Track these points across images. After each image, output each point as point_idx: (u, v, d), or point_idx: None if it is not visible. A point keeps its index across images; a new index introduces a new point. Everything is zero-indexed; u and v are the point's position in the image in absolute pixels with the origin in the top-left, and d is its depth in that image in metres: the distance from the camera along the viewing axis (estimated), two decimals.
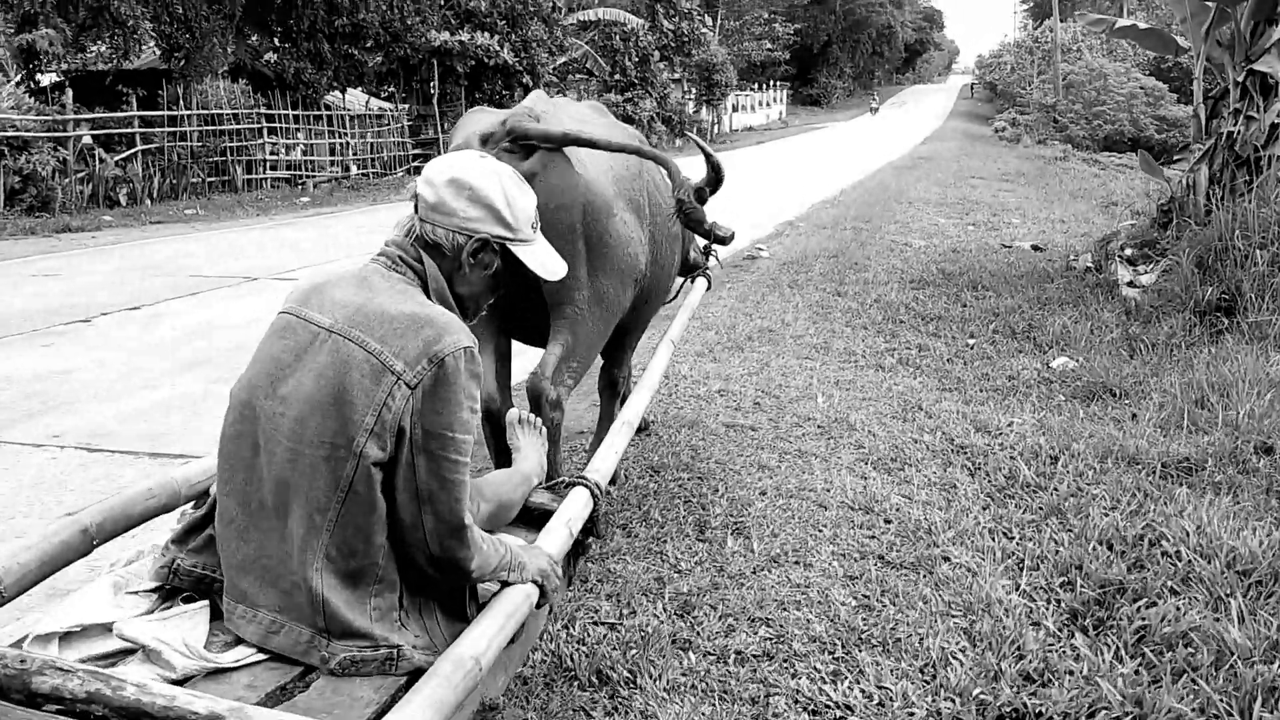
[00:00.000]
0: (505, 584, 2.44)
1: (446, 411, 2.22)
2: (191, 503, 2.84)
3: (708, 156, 4.40)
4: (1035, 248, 12.65)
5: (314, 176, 24.48)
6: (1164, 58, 59.15)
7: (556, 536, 2.79)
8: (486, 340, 3.92)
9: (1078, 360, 7.33)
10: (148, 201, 18.48)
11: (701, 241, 5.23)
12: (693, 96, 49.57)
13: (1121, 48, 56.80)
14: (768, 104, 67.59)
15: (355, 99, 29.04)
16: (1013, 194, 21.58)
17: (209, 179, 20.88)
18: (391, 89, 30.26)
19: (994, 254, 12.30)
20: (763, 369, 7.05)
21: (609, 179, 3.95)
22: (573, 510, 2.97)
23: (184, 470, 2.89)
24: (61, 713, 1.83)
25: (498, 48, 28.87)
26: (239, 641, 2.30)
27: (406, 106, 29.74)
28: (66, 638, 2.22)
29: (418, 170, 29.45)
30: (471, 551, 2.30)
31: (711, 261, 5.57)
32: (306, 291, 2.40)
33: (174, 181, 19.70)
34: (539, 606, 2.53)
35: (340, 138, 26.01)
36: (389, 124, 28.12)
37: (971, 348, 7.93)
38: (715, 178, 4.45)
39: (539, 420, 3.21)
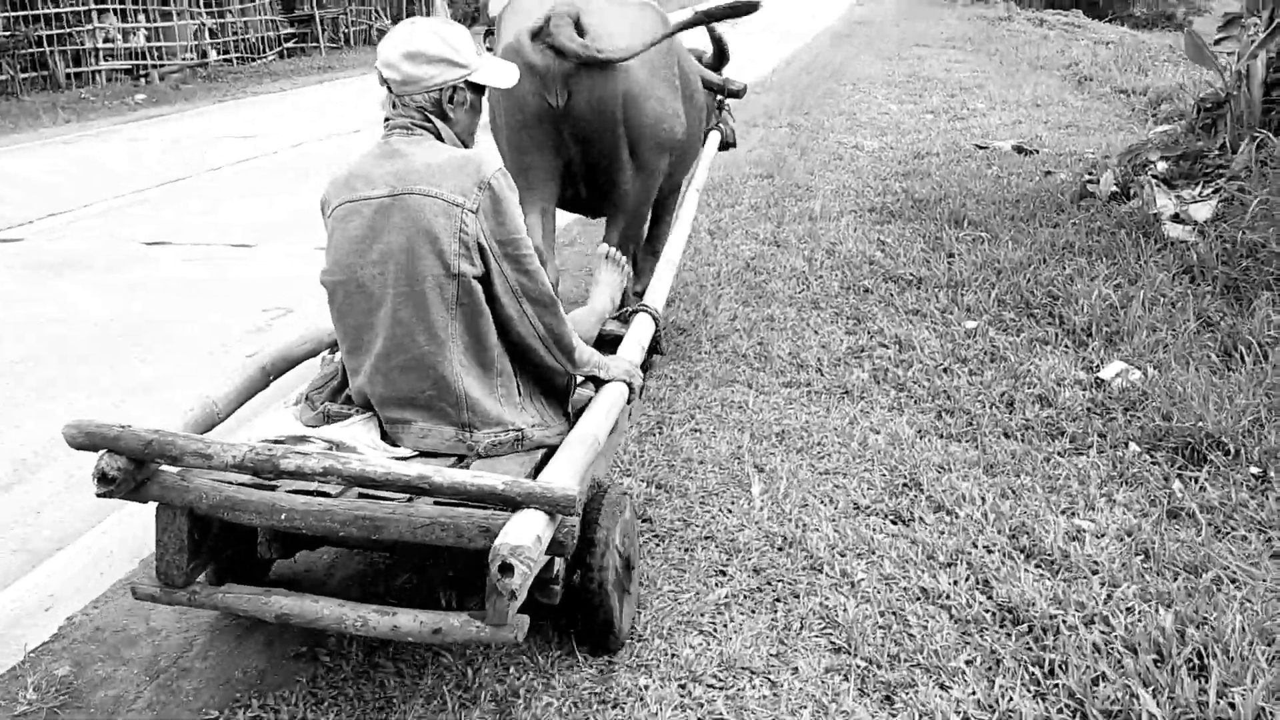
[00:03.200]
0: (598, 382, 3.12)
1: (507, 221, 2.79)
2: (328, 349, 3.52)
3: (711, 33, 5.48)
4: (1019, 149, 10.05)
5: (162, 66, 20.95)
6: None
7: (632, 350, 3.44)
8: (535, 205, 4.36)
9: (1141, 369, 4.83)
10: None
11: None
12: None
13: None
14: None
15: None
16: (965, 65, 18.87)
17: (22, 75, 17.37)
18: None
19: (969, 160, 9.67)
20: (661, 426, 4.42)
21: (643, 62, 4.29)
22: (640, 331, 3.65)
23: (326, 325, 3.32)
24: (298, 489, 2.60)
25: None
26: (399, 445, 2.88)
27: None
28: (275, 443, 2.73)
29: (293, 53, 25.99)
30: (568, 327, 2.96)
31: (726, 117, 6.12)
32: (344, 181, 2.83)
33: None
34: (629, 402, 3.19)
35: (195, 18, 22.39)
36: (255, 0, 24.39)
37: (973, 336, 5.38)
38: (720, 51, 5.67)
39: (623, 259, 3.97)
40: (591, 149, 4.29)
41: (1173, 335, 5.10)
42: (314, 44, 25.89)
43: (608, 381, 3.12)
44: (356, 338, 2.86)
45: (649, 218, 4.97)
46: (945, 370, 5.01)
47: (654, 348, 3.86)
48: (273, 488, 2.63)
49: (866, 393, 4.79)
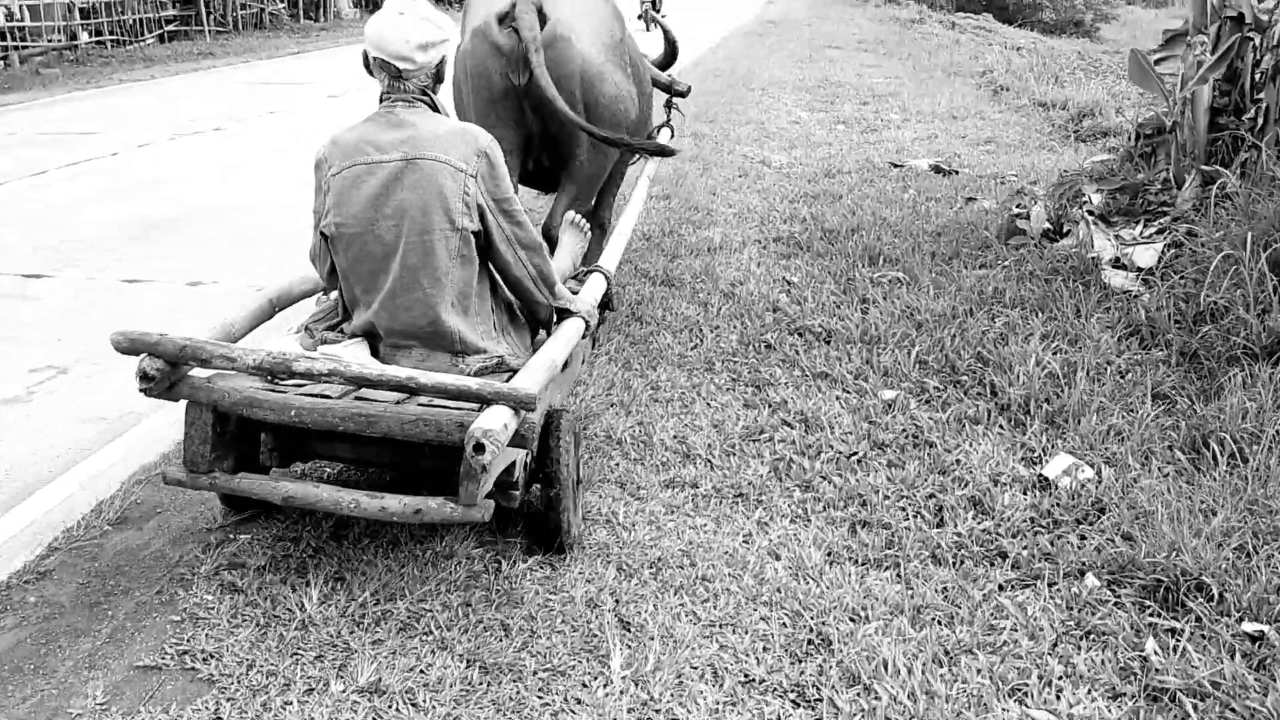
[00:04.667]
0: (565, 315, 3.62)
1: (501, 182, 3.29)
2: (321, 291, 3.82)
3: (665, 33, 6.19)
4: (937, 169, 9.28)
5: (25, 47, 19.31)
6: None
7: (586, 302, 3.78)
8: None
9: (1092, 464, 4.01)
10: None
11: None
12: None
13: None
14: None
15: None
16: (879, 70, 18.23)
17: None
18: None
19: (884, 180, 8.87)
20: (499, 559, 3.43)
21: (598, 48, 4.73)
22: (594, 289, 4.04)
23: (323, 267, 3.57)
24: (307, 390, 3.05)
25: None
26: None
27: None
28: None
29: (174, 36, 24.34)
30: (551, 266, 3.51)
31: (675, 115, 6.61)
32: (351, 146, 3.21)
33: None
34: (584, 337, 3.68)
35: None
36: None
37: (892, 411, 4.53)
38: (671, 51, 6.23)
39: (585, 224, 4.37)
40: (551, 123, 4.60)
41: (1127, 418, 4.30)
42: (199, 27, 24.32)
43: (573, 315, 3.63)
44: (370, 279, 3.25)
45: (596, 194, 5.31)
46: (860, 461, 4.14)
47: (606, 305, 4.57)
48: (282, 393, 3.04)
49: (765, 494, 3.89)
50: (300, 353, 3.03)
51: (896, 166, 9.47)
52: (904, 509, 3.79)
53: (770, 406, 4.61)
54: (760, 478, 4.00)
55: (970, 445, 4.23)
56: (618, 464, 4.04)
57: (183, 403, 3.09)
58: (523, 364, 3.27)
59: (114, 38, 21.91)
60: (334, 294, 3.53)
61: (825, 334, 5.39)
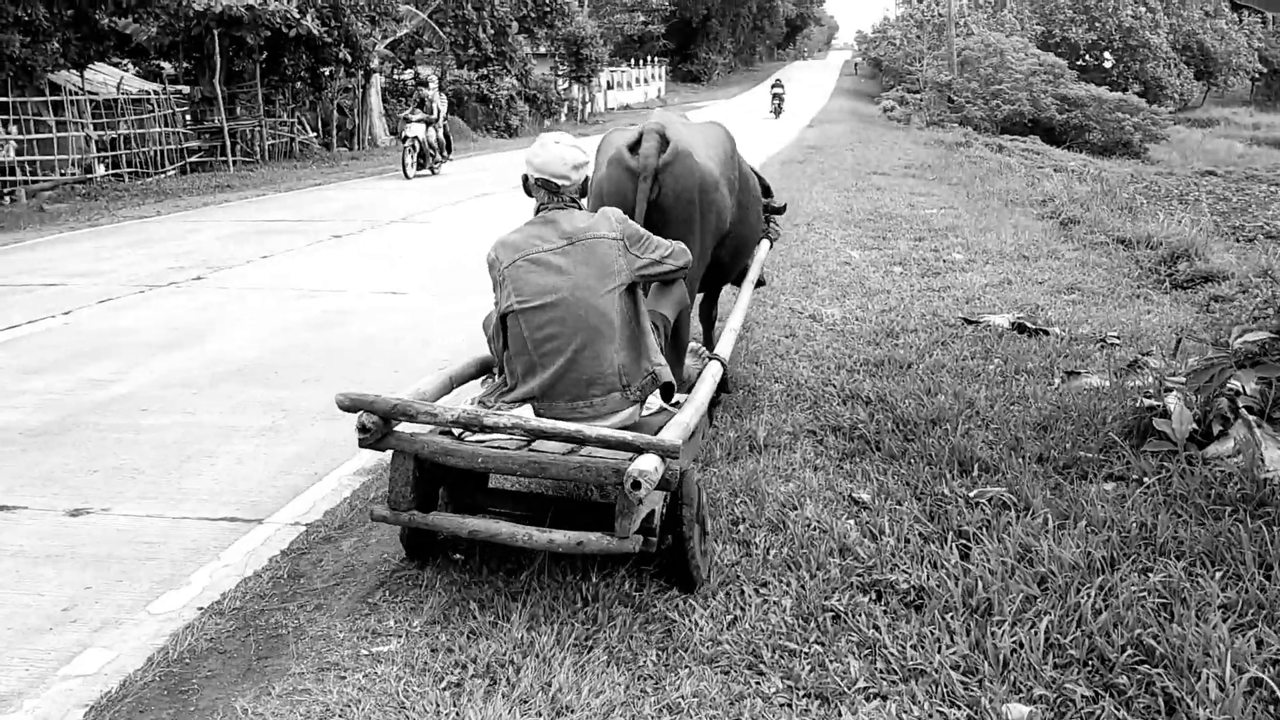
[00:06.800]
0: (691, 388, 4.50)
1: (638, 232, 4.14)
2: (489, 370, 4.68)
3: (763, 185, 7.05)
4: (1021, 327, 7.83)
5: (35, 182, 18.58)
6: (1050, 33, 55.94)
7: (707, 386, 4.48)
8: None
9: None
10: None
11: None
12: (562, 73, 44.86)
13: (1009, 21, 53.07)
14: (645, 80, 62.67)
15: (106, 77, 22.95)
16: (930, 199, 16.97)
17: None
18: (186, 65, 24.19)
19: (957, 342, 7.43)
20: None
21: (715, 163, 5.35)
22: (713, 372, 4.71)
23: (485, 354, 4.64)
24: (492, 443, 3.82)
25: (298, 14, 23.10)
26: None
27: (189, 88, 23.88)
28: None
29: (197, 167, 23.68)
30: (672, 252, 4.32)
31: (772, 227, 7.30)
32: (521, 242, 4.02)
33: None
34: (714, 396, 4.67)
35: (82, 129, 20.08)
36: (153, 110, 22.12)
37: None
38: (764, 187, 7.07)
39: (705, 353, 5.54)
40: (672, 230, 4.85)
41: None
42: (224, 158, 23.65)
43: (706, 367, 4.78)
44: (547, 342, 3.93)
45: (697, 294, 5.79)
46: None
47: (723, 386, 5.51)
48: (470, 447, 3.78)
49: None
50: (488, 410, 3.79)
51: (970, 323, 8.04)
52: None
53: None
54: None
55: None
56: None
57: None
58: (664, 369, 4.19)
59: (132, 170, 21.21)
60: (495, 379, 4.34)
61: (913, 595, 3.90)
